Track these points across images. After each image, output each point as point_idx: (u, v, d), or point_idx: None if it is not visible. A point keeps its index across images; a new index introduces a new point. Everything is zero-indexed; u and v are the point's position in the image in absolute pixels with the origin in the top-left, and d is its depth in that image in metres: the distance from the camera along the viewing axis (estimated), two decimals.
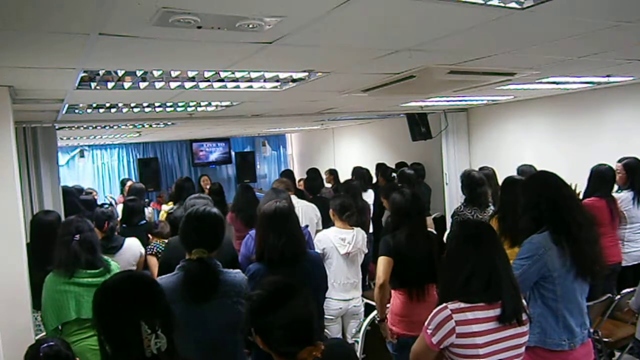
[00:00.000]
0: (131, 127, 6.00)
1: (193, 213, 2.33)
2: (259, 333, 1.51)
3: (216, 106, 4.53)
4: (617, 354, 3.61)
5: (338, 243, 3.62)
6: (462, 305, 1.86)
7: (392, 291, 3.08)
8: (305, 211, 4.59)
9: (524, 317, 1.93)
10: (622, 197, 4.06)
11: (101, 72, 2.76)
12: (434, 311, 1.89)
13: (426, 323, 1.90)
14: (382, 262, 3.02)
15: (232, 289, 2.24)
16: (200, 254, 2.18)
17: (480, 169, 5.12)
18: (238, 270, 2.39)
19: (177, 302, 2.11)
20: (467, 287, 1.87)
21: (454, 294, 1.89)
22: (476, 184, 4.19)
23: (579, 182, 4.13)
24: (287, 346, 1.47)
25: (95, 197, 7.09)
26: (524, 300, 1.99)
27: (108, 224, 3.74)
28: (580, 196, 4.09)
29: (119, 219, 4.59)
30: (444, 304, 1.88)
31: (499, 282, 1.87)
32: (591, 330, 2.46)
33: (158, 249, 3.85)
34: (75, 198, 5.22)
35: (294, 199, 4.61)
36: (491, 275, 1.88)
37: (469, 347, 1.84)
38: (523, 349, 1.96)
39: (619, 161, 4.22)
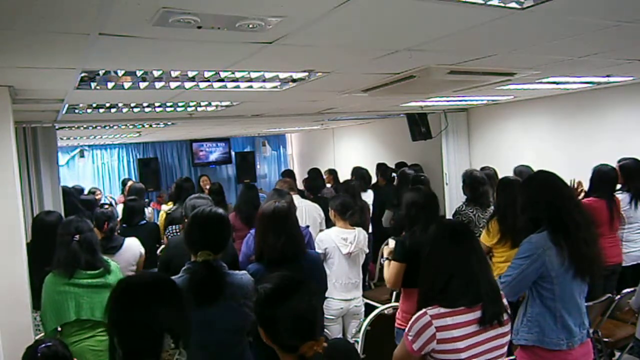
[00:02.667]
0: (131, 127, 6.00)
1: (199, 214, 2.29)
2: (263, 325, 1.54)
3: (216, 106, 4.53)
4: (617, 354, 3.61)
5: (340, 243, 3.62)
6: (442, 310, 1.84)
7: (405, 289, 2.99)
8: (309, 211, 4.60)
9: (505, 317, 1.92)
10: (620, 198, 4.08)
11: (101, 72, 2.76)
12: (414, 317, 1.87)
13: (407, 329, 1.88)
14: (394, 268, 2.92)
15: (239, 291, 2.22)
16: (206, 256, 2.15)
17: (482, 169, 5.13)
18: (244, 272, 2.37)
19: None
20: (446, 291, 1.86)
21: (433, 299, 1.87)
22: (478, 183, 4.21)
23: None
24: (289, 339, 1.50)
25: (99, 196, 7.09)
26: (504, 300, 1.98)
27: (108, 224, 3.73)
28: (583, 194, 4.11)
29: (119, 219, 4.59)
30: (424, 310, 1.86)
31: (477, 285, 1.86)
32: (590, 331, 2.45)
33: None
34: (74, 198, 5.21)
35: (298, 198, 4.62)
36: (470, 277, 1.86)
37: (451, 352, 1.83)
38: (505, 348, 1.96)
39: (618, 162, 4.24)
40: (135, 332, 1.32)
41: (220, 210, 2.36)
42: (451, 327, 1.82)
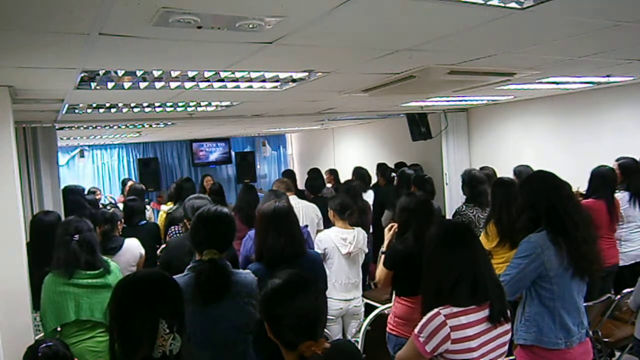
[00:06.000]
0: (131, 127, 6.00)
1: (205, 213, 2.30)
2: (268, 320, 1.57)
3: (216, 106, 4.53)
4: (617, 353, 3.61)
5: (339, 243, 3.62)
6: (455, 309, 1.84)
7: (397, 297, 2.99)
8: (306, 211, 4.59)
9: (509, 313, 1.93)
10: (618, 197, 4.09)
11: (101, 72, 2.76)
12: (426, 318, 1.86)
13: (417, 330, 1.87)
14: (382, 272, 2.97)
15: (244, 290, 2.23)
16: (212, 254, 2.16)
17: (481, 169, 5.13)
18: (248, 271, 2.38)
19: (188, 303, 2.12)
20: (455, 292, 1.85)
21: (444, 300, 1.86)
22: (477, 182, 4.21)
23: (579, 181, 4.16)
24: (290, 336, 1.51)
25: (99, 196, 7.08)
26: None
27: (102, 227, 3.73)
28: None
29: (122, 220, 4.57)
30: (436, 310, 1.84)
31: (484, 283, 1.87)
32: (590, 331, 2.45)
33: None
34: (81, 197, 5.19)
35: (295, 199, 4.62)
36: (477, 276, 1.87)
37: (464, 352, 1.83)
38: (507, 346, 1.97)
39: (616, 160, 4.26)
40: (134, 319, 1.47)
41: (225, 210, 2.37)
42: (465, 326, 1.82)
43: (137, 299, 1.50)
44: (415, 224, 2.91)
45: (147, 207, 6.62)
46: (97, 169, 10.00)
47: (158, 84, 3.14)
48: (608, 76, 4.21)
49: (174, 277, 2.16)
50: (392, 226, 3.08)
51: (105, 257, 2.89)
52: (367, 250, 3.93)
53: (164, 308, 1.48)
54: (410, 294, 2.86)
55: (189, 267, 2.22)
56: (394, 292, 3.05)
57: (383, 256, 3.06)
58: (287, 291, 1.55)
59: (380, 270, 3.01)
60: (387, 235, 3.09)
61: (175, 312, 1.50)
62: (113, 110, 4.25)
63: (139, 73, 2.85)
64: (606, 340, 3.44)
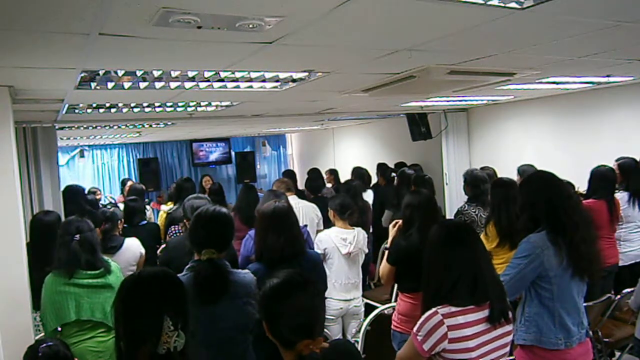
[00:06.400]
0: (131, 127, 6.00)
1: (203, 213, 2.30)
2: (266, 319, 1.57)
3: (216, 106, 4.53)
4: (618, 353, 3.61)
5: (339, 243, 3.62)
6: (453, 309, 1.84)
7: (401, 294, 3.01)
8: (306, 211, 4.60)
9: (510, 314, 1.92)
10: (618, 197, 4.09)
11: (101, 72, 2.76)
12: (424, 317, 1.86)
13: (415, 329, 1.87)
14: (385, 268, 2.99)
15: (242, 290, 2.23)
16: (210, 254, 2.17)
17: (482, 169, 5.13)
18: (247, 271, 2.38)
19: None
20: (455, 292, 1.85)
21: (443, 299, 1.86)
22: (479, 181, 4.22)
23: (579, 181, 4.17)
24: (288, 335, 1.52)
25: (99, 196, 7.08)
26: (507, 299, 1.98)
27: (104, 225, 3.74)
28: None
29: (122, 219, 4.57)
30: (434, 309, 1.85)
31: (485, 283, 1.86)
32: (590, 331, 2.45)
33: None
34: (81, 197, 5.19)
35: (295, 199, 4.62)
36: (477, 276, 1.86)
37: (462, 352, 1.83)
38: (508, 347, 1.96)
39: (616, 160, 4.27)
40: (139, 317, 1.49)
41: (224, 210, 2.37)
42: (463, 325, 1.82)
43: (142, 297, 1.52)
44: (419, 220, 2.91)
45: (147, 207, 6.62)
46: (97, 169, 10.00)
47: (158, 84, 3.14)
48: (608, 76, 4.21)
49: None
50: (396, 222, 3.09)
51: (105, 257, 2.89)
52: (367, 251, 3.93)
53: (168, 305, 1.49)
54: (413, 291, 2.87)
55: (187, 266, 2.22)
56: (396, 289, 3.05)
57: (387, 252, 3.07)
58: (285, 290, 1.55)
59: (383, 266, 3.03)
60: (392, 231, 3.10)
61: (179, 310, 1.51)
62: (113, 110, 4.25)
63: (139, 73, 2.85)
64: (606, 340, 3.44)
